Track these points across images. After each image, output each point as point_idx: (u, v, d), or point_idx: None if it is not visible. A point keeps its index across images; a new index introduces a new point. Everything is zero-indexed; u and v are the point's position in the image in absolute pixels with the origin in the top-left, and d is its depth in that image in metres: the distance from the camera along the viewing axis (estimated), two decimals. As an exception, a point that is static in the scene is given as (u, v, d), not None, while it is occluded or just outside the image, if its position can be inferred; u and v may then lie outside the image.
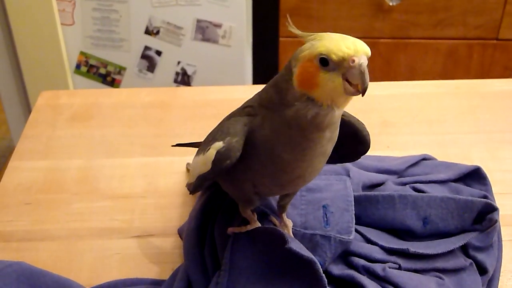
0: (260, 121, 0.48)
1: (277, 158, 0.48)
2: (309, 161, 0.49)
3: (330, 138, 0.48)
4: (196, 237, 0.59)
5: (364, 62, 0.43)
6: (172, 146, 0.71)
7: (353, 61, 0.43)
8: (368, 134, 0.54)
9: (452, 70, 1.59)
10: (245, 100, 0.52)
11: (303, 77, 0.45)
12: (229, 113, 0.54)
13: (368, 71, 0.43)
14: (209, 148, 0.50)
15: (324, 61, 0.43)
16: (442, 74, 1.59)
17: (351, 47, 0.43)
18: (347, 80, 0.43)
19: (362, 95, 0.43)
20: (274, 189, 0.54)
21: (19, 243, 0.65)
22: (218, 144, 0.49)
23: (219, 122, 0.55)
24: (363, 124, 0.53)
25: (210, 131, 0.55)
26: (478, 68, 1.58)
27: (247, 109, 0.50)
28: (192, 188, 0.55)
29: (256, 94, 0.51)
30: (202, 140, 0.65)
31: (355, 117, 0.53)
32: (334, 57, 0.43)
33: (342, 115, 0.51)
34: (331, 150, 0.50)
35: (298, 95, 0.45)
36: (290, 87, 0.46)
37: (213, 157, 0.49)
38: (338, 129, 0.49)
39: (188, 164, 0.74)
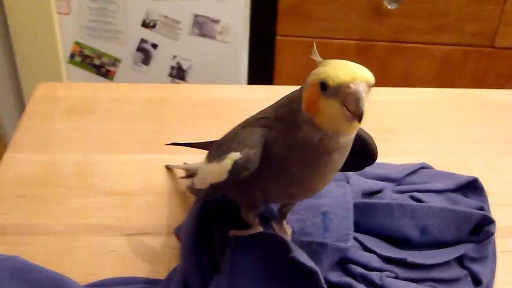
0: (275, 136, 0.48)
1: (290, 173, 0.48)
2: (321, 177, 0.49)
3: (341, 157, 0.48)
4: (193, 238, 0.59)
5: (362, 88, 0.42)
6: (167, 144, 0.71)
7: (349, 87, 0.43)
8: (376, 148, 0.54)
9: (446, 76, 1.59)
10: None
11: (309, 102, 0.45)
12: (242, 121, 0.53)
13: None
14: (225, 158, 0.50)
15: (324, 86, 0.44)
16: (436, 79, 1.59)
17: (349, 74, 0.43)
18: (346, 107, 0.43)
19: (359, 122, 0.43)
20: (282, 198, 0.55)
21: (12, 236, 0.64)
22: (235, 155, 0.49)
23: (231, 129, 0.54)
24: (371, 137, 0.53)
25: (220, 138, 0.55)
26: (472, 75, 1.58)
27: (262, 120, 0.50)
28: (204, 195, 0.55)
29: (271, 106, 0.51)
30: (198, 140, 0.65)
31: (363, 130, 0.53)
32: (330, 82, 0.43)
33: None
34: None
35: (306, 118, 0.46)
36: (300, 110, 0.46)
37: (229, 167, 0.49)
38: (350, 147, 0.49)
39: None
